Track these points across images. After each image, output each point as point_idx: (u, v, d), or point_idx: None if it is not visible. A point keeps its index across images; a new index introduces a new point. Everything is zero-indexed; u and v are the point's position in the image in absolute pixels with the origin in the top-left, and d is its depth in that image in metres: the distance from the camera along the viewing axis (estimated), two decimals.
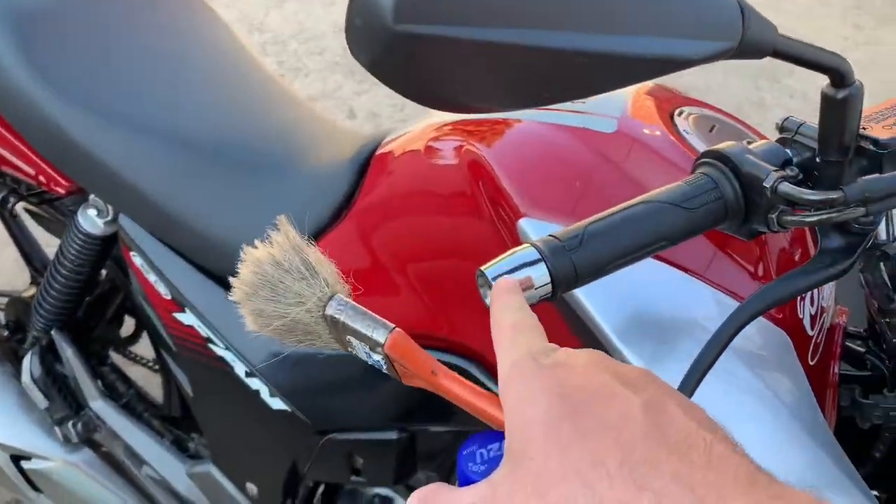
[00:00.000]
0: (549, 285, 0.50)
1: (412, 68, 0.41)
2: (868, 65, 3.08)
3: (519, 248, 0.51)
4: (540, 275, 0.50)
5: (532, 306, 0.50)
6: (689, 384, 0.51)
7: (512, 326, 0.41)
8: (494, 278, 0.50)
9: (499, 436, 0.38)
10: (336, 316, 0.45)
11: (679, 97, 0.87)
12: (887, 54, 3.24)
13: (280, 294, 0.46)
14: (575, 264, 0.51)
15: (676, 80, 0.90)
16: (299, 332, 0.48)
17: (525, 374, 0.38)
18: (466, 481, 0.39)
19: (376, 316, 0.45)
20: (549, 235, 0.52)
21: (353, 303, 0.46)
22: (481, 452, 0.41)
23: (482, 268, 0.51)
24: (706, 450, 0.34)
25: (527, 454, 0.35)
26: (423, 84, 0.42)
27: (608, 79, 0.44)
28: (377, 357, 0.45)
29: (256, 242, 0.47)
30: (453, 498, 0.37)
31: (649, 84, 0.90)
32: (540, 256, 0.51)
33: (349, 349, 0.47)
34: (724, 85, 3.04)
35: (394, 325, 0.44)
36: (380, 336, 0.44)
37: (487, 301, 0.52)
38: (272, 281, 0.46)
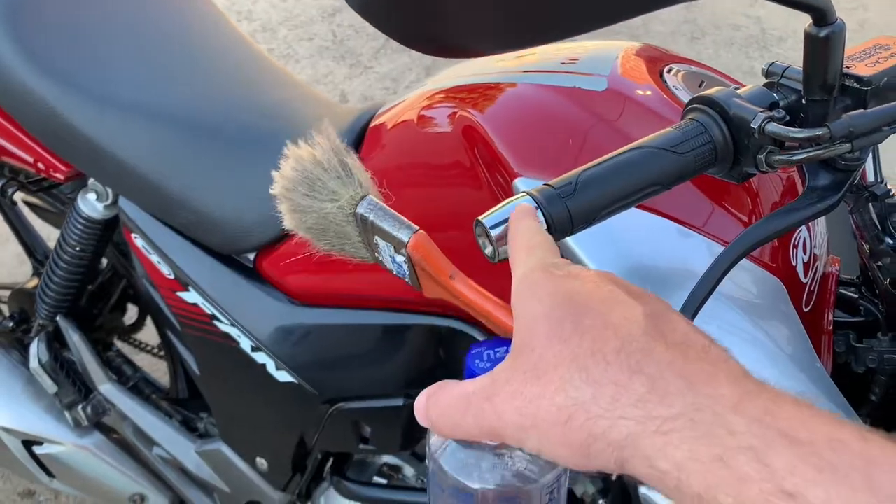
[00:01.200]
0: (546, 231, 0.52)
1: (402, 7, 0.42)
2: (857, 29, 3.09)
3: (515, 196, 0.52)
4: None
5: None
6: None
7: (527, 244, 0.43)
8: (492, 227, 0.51)
9: (508, 343, 0.40)
10: (366, 215, 0.48)
11: (668, 55, 0.88)
12: (875, 19, 3.24)
13: (317, 190, 0.49)
14: (570, 210, 0.52)
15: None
16: (331, 234, 0.51)
17: (536, 280, 0.39)
18: (472, 377, 0.40)
19: (403, 217, 0.47)
20: (544, 184, 0.53)
21: (383, 204, 0.48)
22: (488, 353, 0.42)
23: (480, 217, 0.52)
24: (703, 349, 0.35)
25: (528, 345, 0.37)
26: (411, 24, 0.42)
27: (601, 10, 0.45)
28: (400, 259, 0.47)
29: (300, 142, 0.50)
30: (456, 389, 0.40)
31: (638, 44, 0.91)
32: (536, 204, 0.52)
33: (375, 255, 0.50)
34: (715, 56, 3.04)
35: (418, 227, 0.47)
36: (404, 235, 0.46)
37: (486, 251, 0.53)
38: (311, 178, 0.49)
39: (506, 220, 0.51)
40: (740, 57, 3.05)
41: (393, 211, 0.48)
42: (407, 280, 0.49)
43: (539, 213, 0.52)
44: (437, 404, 0.41)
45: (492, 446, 0.41)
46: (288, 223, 0.52)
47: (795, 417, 0.31)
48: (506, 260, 0.55)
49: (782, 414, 0.31)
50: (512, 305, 0.40)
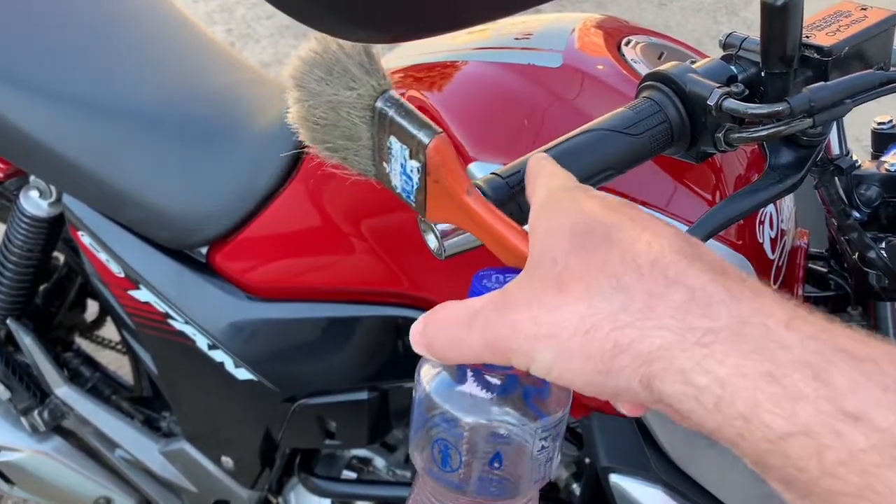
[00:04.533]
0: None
1: None
2: None
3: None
4: None
5: (479, 247, 0.48)
6: None
7: (547, 173, 0.39)
8: (436, 221, 0.47)
9: (519, 271, 0.36)
10: (385, 109, 0.43)
11: (626, 27, 0.84)
12: None
13: (335, 75, 0.44)
14: (518, 200, 0.49)
15: (635, 22, 0.88)
16: (338, 133, 0.45)
17: (559, 200, 0.35)
18: (478, 295, 0.36)
19: (425, 118, 0.43)
20: (492, 173, 0.50)
21: (406, 102, 0.43)
22: (497, 276, 0.38)
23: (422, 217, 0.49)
24: (741, 277, 0.32)
25: (548, 256, 0.33)
26: (325, 8, 0.39)
27: None
28: (413, 167, 0.42)
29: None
30: (461, 305, 0.35)
31: (596, 16, 0.87)
32: (482, 195, 0.48)
33: (383, 163, 0.45)
34: (683, 22, 3.01)
35: (441, 130, 0.42)
36: (426, 136, 0.41)
37: (432, 246, 0.50)
38: (331, 61, 0.44)
39: None
40: (708, 22, 3.02)
41: (416, 110, 0.43)
42: (411, 199, 0.44)
43: None
44: (437, 320, 0.36)
45: (483, 399, 0.37)
46: (293, 115, 0.47)
47: (853, 337, 0.28)
48: (453, 256, 0.51)
49: (839, 332, 0.28)
50: (530, 226, 0.36)
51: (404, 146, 0.43)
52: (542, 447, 0.38)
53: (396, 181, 0.45)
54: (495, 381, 0.38)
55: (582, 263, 0.32)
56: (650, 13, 3.00)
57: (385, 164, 0.45)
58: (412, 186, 0.44)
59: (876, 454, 0.25)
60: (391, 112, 0.43)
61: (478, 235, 0.42)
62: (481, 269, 0.40)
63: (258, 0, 3.11)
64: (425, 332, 0.37)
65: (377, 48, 0.45)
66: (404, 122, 0.42)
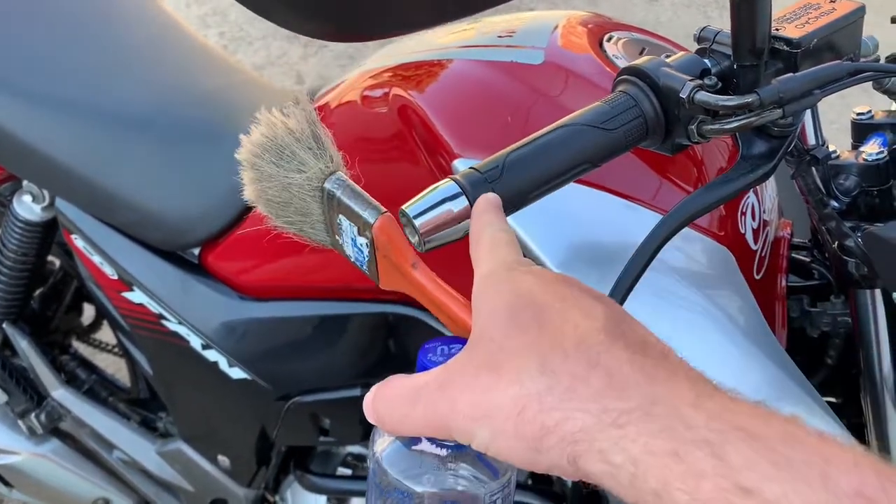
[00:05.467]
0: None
1: None
2: None
3: (439, 183, 0.50)
4: (461, 208, 0.49)
5: (458, 241, 0.49)
6: (616, 299, 0.51)
7: (490, 241, 0.42)
8: (416, 216, 0.49)
9: (463, 342, 0.38)
10: (333, 190, 0.46)
11: (608, 23, 0.85)
12: None
13: (285, 159, 0.47)
14: (497, 195, 0.50)
15: (626, 18, 0.89)
16: (292, 210, 0.48)
17: (499, 279, 0.38)
18: (423, 370, 0.39)
19: (371, 197, 0.45)
20: (470, 168, 0.51)
21: (352, 183, 0.46)
22: (442, 348, 0.40)
23: (403, 207, 0.50)
24: (662, 353, 0.34)
25: (486, 336, 0.36)
26: (301, 9, 0.40)
27: None
28: (362, 243, 0.45)
29: (274, 110, 0.48)
30: (407, 381, 0.38)
31: (580, 13, 0.88)
32: (460, 190, 0.49)
33: (336, 237, 0.47)
34: (675, 17, 3.02)
35: (386, 210, 0.45)
36: (370, 216, 0.44)
37: (413, 240, 0.51)
38: (281, 146, 0.47)
39: (431, 208, 0.49)
40: (699, 17, 3.03)
41: (361, 189, 0.46)
42: (364, 269, 0.47)
43: (464, 198, 0.49)
44: (385, 396, 0.39)
45: (437, 455, 0.39)
46: (248, 193, 0.50)
47: (753, 414, 0.30)
48: (433, 249, 0.52)
49: (740, 410, 0.31)
50: (472, 301, 0.39)
51: (352, 224, 0.46)
52: None
53: (350, 252, 0.48)
54: (444, 459, 0.40)
55: (515, 345, 0.35)
56: (641, 9, 3.01)
57: (338, 237, 0.48)
58: (364, 258, 0.46)
59: None
60: (338, 193, 0.46)
61: (426, 306, 0.44)
62: (427, 342, 0.42)
63: None
64: (375, 406, 0.39)
65: (325, 131, 0.48)
66: (351, 203, 0.45)
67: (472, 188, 0.49)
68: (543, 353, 0.34)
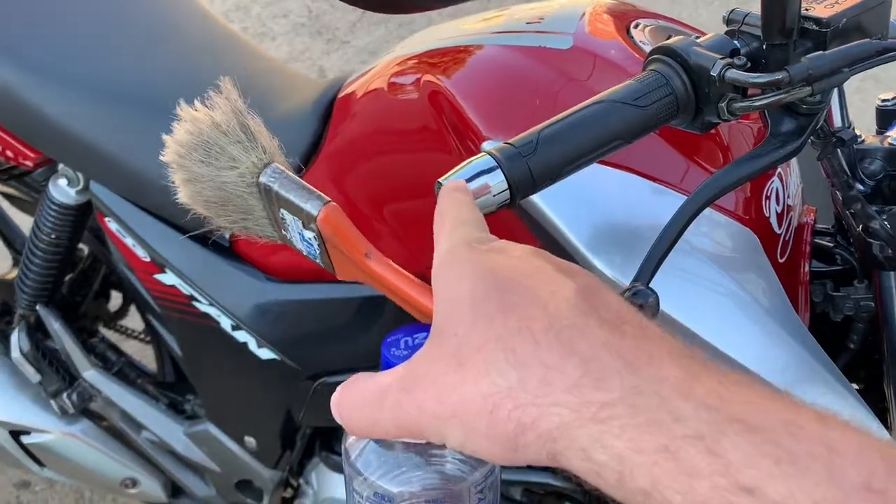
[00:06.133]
0: (507, 191, 0.51)
1: None
2: None
3: (475, 157, 0.51)
4: (497, 181, 0.50)
5: (491, 214, 0.51)
6: (644, 278, 0.52)
7: (453, 219, 0.40)
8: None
9: (428, 329, 0.36)
10: (269, 184, 0.42)
11: (635, 10, 0.87)
12: None
13: (213, 156, 0.43)
14: (531, 169, 0.51)
15: None
16: (232, 209, 0.45)
17: (458, 257, 0.36)
18: (388, 367, 0.36)
19: (312, 188, 0.42)
20: (505, 143, 0.52)
21: (290, 173, 0.43)
22: (406, 340, 0.39)
23: (440, 179, 0.51)
24: (640, 326, 0.32)
25: (450, 329, 0.33)
26: None
27: None
28: (309, 236, 0.42)
29: (196, 103, 0.45)
30: (371, 382, 0.36)
31: (606, 0, 0.89)
32: (496, 164, 0.51)
33: (283, 231, 0.44)
34: (696, 14, 3.01)
35: (330, 199, 0.41)
36: (313, 207, 0.40)
37: None
38: (207, 142, 0.43)
39: (467, 181, 0.51)
40: (719, 14, 3.02)
41: (301, 180, 0.42)
42: (318, 261, 0.44)
43: (500, 172, 0.51)
44: (349, 400, 0.36)
45: (414, 446, 0.37)
46: (182, 196, 0.46)
47: (748, 401, 0.28)
48: None
49: (733, 397, 0.28)
50: (433, 284, 0.36)
51: (296, 218, 0.42)
52: (480, 499, 0.38)
53: (300, 246, 0.44)
54: (422, 448, 0.37)
55: (479, 335, 0.32)
56: (664, 3, 3.01)
57: (285, 233, 0.44)
58: (315, 251, 0.43)
59: None
60: (275, 186, 0.42)
61: (386, 294, 0.42)
62: (389, 333, 0.40)
63: (272, 0, 3.15)
64: (341, 409, 0.37)
65: (255, 120, 0.44)
66: (290, 196, 0.41)
67: (508, 161, 0.51)
68: (511, 343, 0.31)
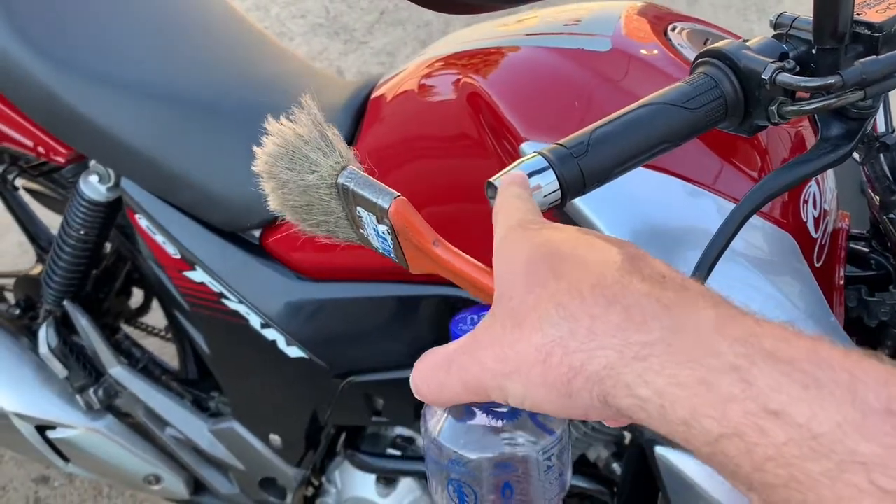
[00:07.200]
0: (559, 191, 0.51)
1: None
2: None
3: (526, 157, 0.52)
4: (549, 182, 0.51)
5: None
6: (698, 276, 0.52)
7: (507, 208, 0.43)
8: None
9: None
10: (347, 184, 0.47)
11: (671, 14, 0.87)
12: None
13: (297, 163, 0.48)
14: (582, 169, 0.51)
15: None
16: (315, 211, 0.49)
17: (514, 236, 0.39)
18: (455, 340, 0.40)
19: (383, 185, 0.46)
20: (556, 143, 0.53)
21: (363, 173, 0.47)
22: (472, 317, 0.42)
23: (491, 179, 0.51)
24: (681, 283, 0.34)
25: (507, 295, 0.37)
26: None
27: None
28: (383, 230, 0.46)
29: (282, 118, 0.50)
30: (440, 351, 0.39)
31: (640, 3, 0.89)
32: (548, 164, 0.51)
33: (360, 230, 0.48)
34: (713, 19, 3.00)
35: (399, 193, 0.45)
36: (385, 201, 0.45)
37: None
38: (292, 151, 0.48)
39: None
40: (738, 20, 3.02)
41: (373, 179, 0.47)
42: (392, 257, 0.48)
43: (551, 172, 0.51)
44: (422, 370, 0.40)
45: (493, 427, 0.40)
46: (273, 203, 0.51)
47: (779, 337, 0.30)
48: None
49: (766, 334, 0.30)
50: (493, 265, 0.40)
51: (370, 213, 0.46)
52: (549, 467, 0.41)
53: (376, 243, 0.48)
54: (502, 409, 0.40)
55: (534, 297, 0.35)
56: (681, 8, 3.01)
57: (362, 231, 0.49)
58: (389, 246, 0.47)
59: (795, 447, 0.27)
60: (352, 186, 0.46)
61: (454, 281, 0.45)
62: (457, 312, 0.43)
63: (291, 1, 3.16)
64: (414, 380, 0.40)
65: (332, 130, 0.49)
66: (365, 193, 0.46)
67: (560, 162, 0.51)
68: (561, 300, 0.34)
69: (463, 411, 0.41)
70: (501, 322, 0.36)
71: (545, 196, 0.51)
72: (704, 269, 0.52)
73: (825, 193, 0.80)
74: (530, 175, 0.51)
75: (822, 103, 0.51)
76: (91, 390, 1.22)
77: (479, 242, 0.49)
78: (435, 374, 0.39)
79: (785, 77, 0.52)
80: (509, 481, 0.40)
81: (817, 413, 0.27)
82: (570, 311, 0.34)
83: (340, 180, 0.47)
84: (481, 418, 0.41)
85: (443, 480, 0.42)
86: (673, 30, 0.82)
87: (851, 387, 0.27)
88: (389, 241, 0.46)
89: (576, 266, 0.35)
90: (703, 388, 0.29)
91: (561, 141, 0.53)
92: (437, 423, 0.42)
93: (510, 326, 0.35)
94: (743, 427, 0.28)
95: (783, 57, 0.56)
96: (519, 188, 0.46)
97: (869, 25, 0.53)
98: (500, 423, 0.40)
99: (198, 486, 1.30)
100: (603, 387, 0.32)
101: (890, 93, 0.68)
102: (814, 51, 0.55)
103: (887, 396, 0.27)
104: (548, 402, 0.34)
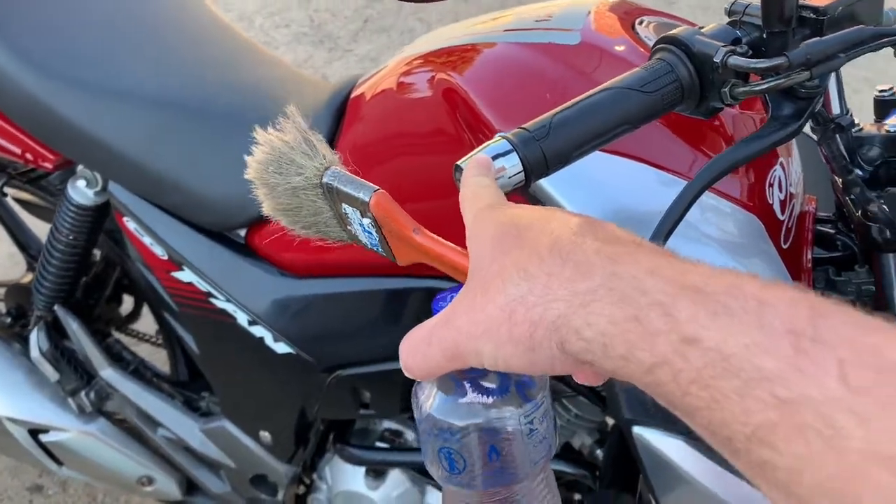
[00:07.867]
0: (522, 173, 0.54)
1: None
2: None
3: (490, 140, 0.54)
4: (513, 164, 0.53)
5: (507, 195, 0.53)
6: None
7: (473, 193, 0.46)
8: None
9: None
10: (331, 183, 0.49)
11: (639, 8, 0.90)
12: None
13: (284, 167, 0.51)
14: (544, 152, 0.54)
15: None
16: (305, 213, 0.52)
17: (484, 216, 0.42)
18: None
19: (364, 180, 0.49)
20: (519, 127, 0.55)
21: (346, 172, 0.50)
22: (451, 295, 0.44)
23: (458, 162, 0.54)
24: (634, 243, 0.37)
25: (478, 268, 0.40)
26: None
27: None
28: (367, 223, 0.48)
29: (269, 129, 0.53)
30: (423, 327, 0.42)
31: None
32: (511, 147, 0.53)
33: (348, 227, 0.51)
34: (692, 19, 3.05)
35: (378, 187, 0.48)
36: (366, 195, 0.47)
37: None
38: (278, 157, 0.51)
39: None
40: (716, 20, 3.06)
41: (354, 175, 0.49)
42: (380, 250, 0.50)
43: (515, 155, 0.54)
44: (407, 345, 0.42)
45: (483, 404, 0.42)
46: (266, 208, 0.54)
47: (706, 274, 0.32)
48: None
49: (694, 271, 0.33)
50: (467, 246, 0.42)
51: (354, 209, 0.49)
52: (531, 430, 0.43)
53: (363, 239, 0.51)
54: (491, 384, 0.42)
55: (498, 265, 0.38)
56: (660, 8, 3.05)
57: (350, 228, 0.51)
58: (375, 240, 0.50)
59: (711, 369, 0.29)
60: (335, 183, 0.49)
61: (435, 265, 0.47)
62: (438, 293, 0.46)
63: (274, 11, 3.19)
64: (401, 356, 0.43)
65: (315, 135, 0.52)
66: (347, 189, 0.49)
67: (522, 145, 0.54)
68: (523, 264, 0.37)
69: (453, 387, 0.43)
70: (473, 292, 0.39)
71: (510, 177, 0.53)
72: (659, 238, 0.54)
73: (791, 177, 0.83)
74: (495, 158, 0.53)
75: (770, 83, 0.54)
76: (83, 393, 1.24)
77: (459, 233, 0.51)
78: (418, 347, 0.41)
79: (735, 59, 0.54)
80: (495, 445, 0.42)
81: (727, 338, 0.29)
82: (530, 272, 0.36)
83: (325, 180, 0.50)
84: (472, 395, 0.43)
85: (435, 450, 0.44)
86: (640, 23, 0.85)
87: (759, 312, 0.30)
88: (375, 234, 0.49)
89: (538, 234, 0.38)
90: (634, 324, 0.32)
91: (524, 125, 0.55)
92: (428, 399, 0.44)
93: (479, 293, 0.38)
94: (669, 355, 0.31)
95: (736, 41, 0.58)
96: (482, 176, 0.49)
97: (814, 9, 0.56)
98: (490, 400, 0.42)
99: (190, 487, 1.32)
100: (559, 335, 0.35)
101: (843, 76, 0.71)
102: (764, 35, 0.58)
103: (791, 318, 0.29)
104: (515, 358, 0.37)
